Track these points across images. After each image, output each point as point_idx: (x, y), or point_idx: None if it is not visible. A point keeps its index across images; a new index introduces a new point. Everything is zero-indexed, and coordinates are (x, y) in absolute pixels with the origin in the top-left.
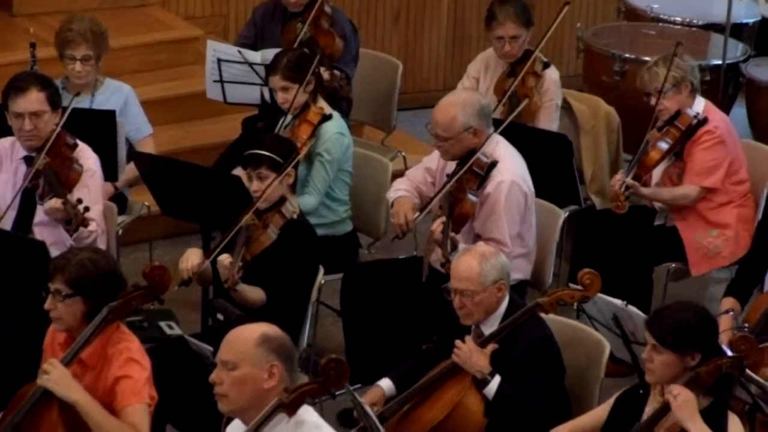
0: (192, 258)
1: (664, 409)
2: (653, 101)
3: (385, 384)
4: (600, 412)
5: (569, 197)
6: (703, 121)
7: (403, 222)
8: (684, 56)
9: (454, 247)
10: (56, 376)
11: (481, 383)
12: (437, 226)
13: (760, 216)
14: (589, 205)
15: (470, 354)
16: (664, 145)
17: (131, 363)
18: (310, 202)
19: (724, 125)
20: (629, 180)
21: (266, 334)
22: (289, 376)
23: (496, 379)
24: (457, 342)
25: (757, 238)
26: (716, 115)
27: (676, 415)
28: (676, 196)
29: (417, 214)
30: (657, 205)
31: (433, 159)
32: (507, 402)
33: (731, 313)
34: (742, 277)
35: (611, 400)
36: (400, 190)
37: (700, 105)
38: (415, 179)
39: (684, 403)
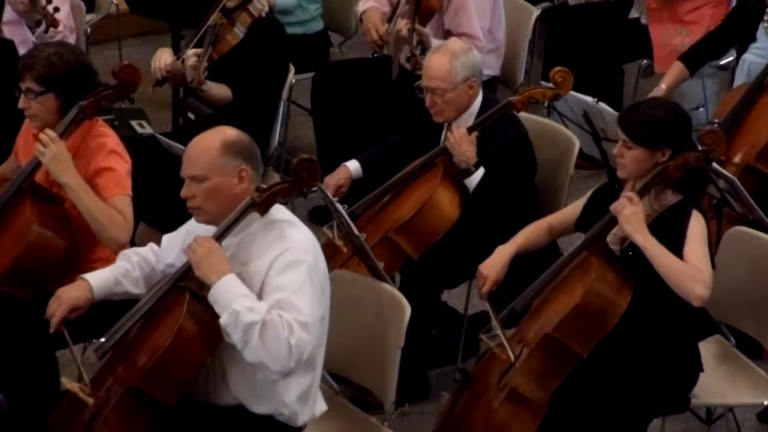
0: (164, 57)
1: (613, 219)
2: None
3: (353, 165)
4: (576, 206)
5: None
6: None
7: (376, 37)
8: None
9: (420, 42)
10: (53, 152)
11: (464, 173)
12: (403, 24)
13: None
14: (562, 1)
15: (461, 141)
16: None
17: (113, 155)
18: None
19: None
20: None
21: (227, 140)
22: (256, 174)
23: (480, 171)
24: (453, 126)
25: (729, 17)
26: None
27: (623, 229)
28: None
29: (386, 25)
30: None
31: None
32: (486, 194)
33: (663, 87)
34: (700, 47)
35: (588, 194)
36: (368, 0)
37: None
38: None
39: (627, 217)
